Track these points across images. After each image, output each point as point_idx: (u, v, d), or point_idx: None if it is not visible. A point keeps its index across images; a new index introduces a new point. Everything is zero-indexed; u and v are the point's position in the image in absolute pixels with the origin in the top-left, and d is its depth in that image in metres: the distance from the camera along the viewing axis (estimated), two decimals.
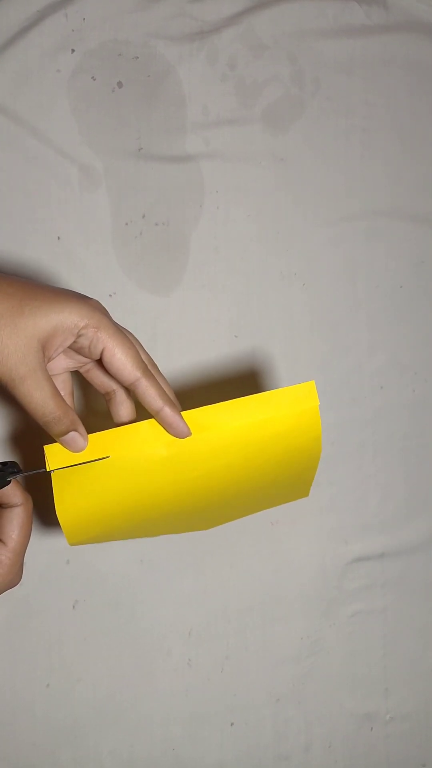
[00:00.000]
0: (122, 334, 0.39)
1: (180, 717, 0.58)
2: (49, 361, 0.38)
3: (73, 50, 0.58)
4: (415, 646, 0.62)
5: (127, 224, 0.59)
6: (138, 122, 0.59)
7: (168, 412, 0.39)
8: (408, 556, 0.62)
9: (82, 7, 0.58)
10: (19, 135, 0.57)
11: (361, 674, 0.61)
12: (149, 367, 0.40)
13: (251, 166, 0.61)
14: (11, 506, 0.40)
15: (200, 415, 0.40)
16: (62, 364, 0.42)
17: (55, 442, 0.40)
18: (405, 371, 0.63)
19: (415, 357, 0.63)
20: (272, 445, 0.41)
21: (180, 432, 0.39)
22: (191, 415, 0.40)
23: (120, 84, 0.59)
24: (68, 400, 0.43)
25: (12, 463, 0.40)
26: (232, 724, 0.59)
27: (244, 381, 0.60)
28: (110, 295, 0.58)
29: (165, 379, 0.42)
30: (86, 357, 0.40)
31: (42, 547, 0.56)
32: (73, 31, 0.58)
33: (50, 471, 0.40)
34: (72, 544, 0.43)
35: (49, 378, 0.38)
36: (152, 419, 0.40)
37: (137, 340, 0.42)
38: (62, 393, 0.43)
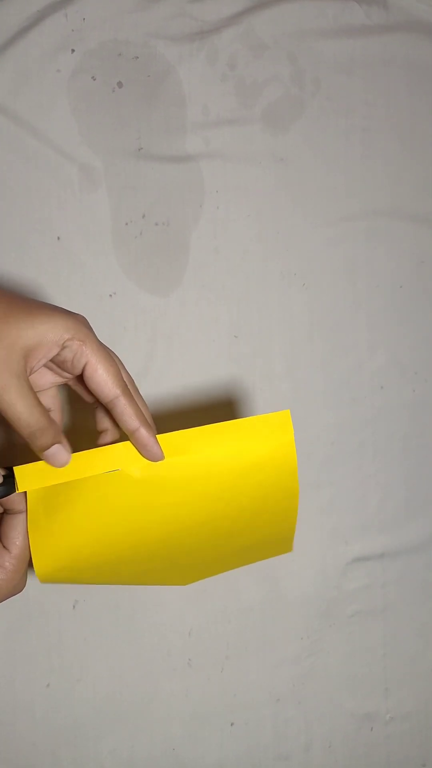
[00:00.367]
0: (106, 350, 0.39)
1: (180, 717, 0.58)
2: (31, 373, 0.38)
3: (73, 50, 0.58)
4: (415, 646, 0.62)
5: (127, 224, 0.59)
6: (138, 122, 0.59)
7: (143, 433, 0.39)
8: (408, 556, 0.62)
9: (82, 7, 0.58)
10: (19, 135, 0.57)
11: (361, 674, 0.61)
12: (129, 386, 0.40)
13: (251, 166, 0.61)
14: (15, 512, 0.40)
15: (175, 439, 0.39)
16: (49, 378, 0.41)
17: (33, 462, 0.39)
18: (405, 371, 0.63)
19: (415, 357, 0.63)
20: (247, 476, 0.40)
21: (154, 455, 0.39)
22: (166, 439, 0.39)
23: (120, 84, 0.59)
24: (57, 415, 0.43)
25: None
26: (232, 724, 0.59)
27: (244, 381, 0.60)
28: (110, 295, 0.58)
29: (144, 401, 0.42)
30: (67, 371, 0.40)
31: None
32: (73, 31, 0.58)
33: (24, 492, 0.39)
34: (43, 581, 0.41)
35: (32, 389, 0.37)
36: (128, 442, 0.39)
37: (119, 360, 0.42)
38: (52, 409, 0.42)
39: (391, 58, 0.63)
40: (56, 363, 0.39)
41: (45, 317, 0.37)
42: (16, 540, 0.40)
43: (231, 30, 0.60)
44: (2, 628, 0.56)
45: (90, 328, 0.39)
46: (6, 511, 0.40)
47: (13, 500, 0.40)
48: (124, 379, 0.39)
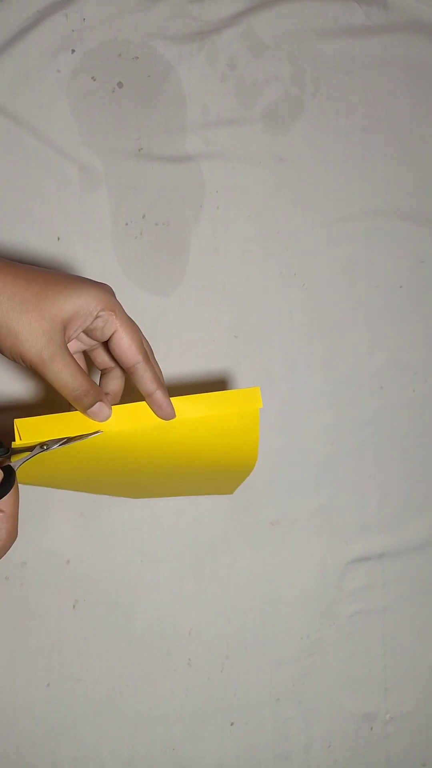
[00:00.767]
0: (131, 320, 0.43)
1: (180, 717, 0.58)
2: (68, 342, 0.41)
3: (73, 50, 0.58)
4: (415, 646, 0.62)
5: (127, 224, 0.59)
6: (138, 122, 0.59)
7: (160, 395, 0.43)
8: (408, 556, 0.62)
9: (82, 7, 0.58)
10: (19, 135, 0.57)
11: (361, 674, 0.61)
12: (149, 353, 0.44)
13: (251, 166, 0.61)
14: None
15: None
16: (74, 345, 0.45)
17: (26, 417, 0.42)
18: (405, 371, 0.63)
19: (415, 357, 0.63)
20: (213, 421, 0.45)
21: (167, 414, 0.43)
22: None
23: (120, 84, 0.59)
24: None
25: None
26: (232, 724, 0.59)
27: (243, 381, 0.60)
28: None
29: (159, 367, 0.46)
30: (95, 339, 0.43)
31: (42, 547, 0.56)
32: (73, 31, 0.58)
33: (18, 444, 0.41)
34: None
35: (72, 356, 0.41)
36: (116, 405, 0.43)
37: (139, 329, 0.46)
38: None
39: (391, 58, 0.63)
40: (85, 331, 0.42)
41: (79, 290, 0.40)
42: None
43: (231, 30, 0.60)
44: (2, 628, 0.56)
45: (116, 298, 0.42)
46: None
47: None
48: (145, 347, 0.43)
